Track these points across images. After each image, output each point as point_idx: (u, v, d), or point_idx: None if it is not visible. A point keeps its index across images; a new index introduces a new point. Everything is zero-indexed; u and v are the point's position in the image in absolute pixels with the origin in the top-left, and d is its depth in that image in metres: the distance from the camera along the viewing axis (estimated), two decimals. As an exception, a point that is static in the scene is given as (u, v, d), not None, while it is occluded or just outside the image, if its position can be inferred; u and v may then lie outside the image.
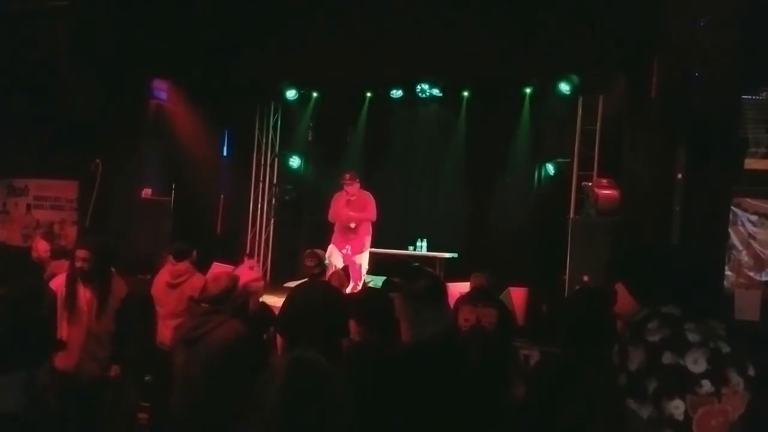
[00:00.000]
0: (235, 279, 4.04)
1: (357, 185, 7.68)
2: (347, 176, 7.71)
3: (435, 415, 2.11)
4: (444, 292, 2.94)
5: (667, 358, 1.05)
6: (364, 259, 7.75)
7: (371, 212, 7.69)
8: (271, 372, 1.49)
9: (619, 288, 1.96)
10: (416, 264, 7.84)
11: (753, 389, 1.04)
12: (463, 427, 2.12)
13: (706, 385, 1.03)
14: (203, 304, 3.79)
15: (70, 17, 7.01)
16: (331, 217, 7.80)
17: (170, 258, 5.24)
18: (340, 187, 7.77)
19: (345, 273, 5.91)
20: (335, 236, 7.75)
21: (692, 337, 1.06)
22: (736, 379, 1.04)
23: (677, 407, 1.03)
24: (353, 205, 7.68)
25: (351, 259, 7.53)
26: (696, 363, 1.04)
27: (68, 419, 3.94)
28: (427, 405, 2.13)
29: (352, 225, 7.67)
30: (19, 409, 1.73)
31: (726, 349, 1.06)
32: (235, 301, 3.94)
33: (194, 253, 5.29)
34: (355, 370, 2.33)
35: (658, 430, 1.03)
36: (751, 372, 1.06)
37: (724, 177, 5.52)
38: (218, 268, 6.02)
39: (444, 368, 2.21)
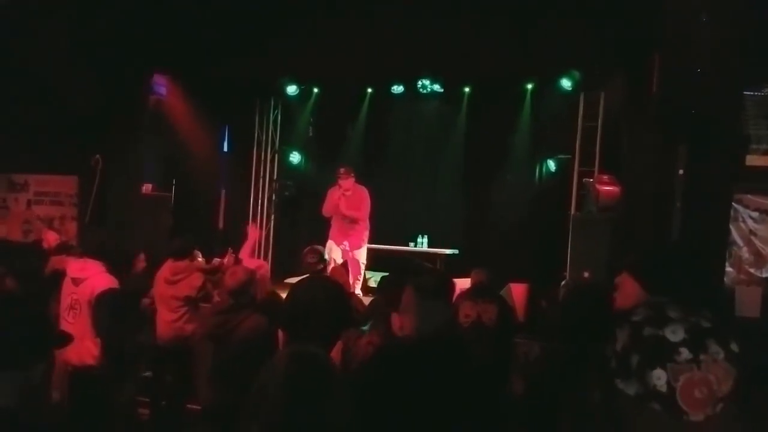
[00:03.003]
0: (251, 271, 4.05)
1: (352, 180, 7.56)
2: (342, 171, 7.58)
3: (435, 411, 2.11)
4: (452, 291, 2.94)
5: (647, 331, 1.08)
6: (362, 255, 7.69)
7: (365, 210, 7.60)
8: (271, 367, 1.48)
9: (627, 282, 1.93)
10: (418, 261, 7.82)
11: (737, 364, 1.04)
12: (463, 424, 2.12)
13: (684, 352, 1.05)
14: (230, 300, 3.85)
15: (69, 12, 7.00)
16: (325, 212, 7.70)
17: (170, 257, 5.26)
18: (335, 181, 7.67)
19: (345, 268, 5.89)
20: (332, 232, 7.67)
21: (673, 314, 1.10)
22: (715, 348, 1.05)
23: (659, 378, 1.05)
24: (348, 200, 7.56)
25: (349, 255, 7.49)
26: (674, 333, 1.07)
27: (70, 416, 3.96)
28: (427, 401, 2.12)
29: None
30: (13, 404, 1.71)
31: (706, 324, 1.08)
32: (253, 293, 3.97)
33: (194, 251, 5.28)
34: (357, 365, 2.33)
35: (646, 405, 1.04)
36: (735, 347, 1.07)
37: (725, 173, 5.51)
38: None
39: (444, 364, 2.21)
